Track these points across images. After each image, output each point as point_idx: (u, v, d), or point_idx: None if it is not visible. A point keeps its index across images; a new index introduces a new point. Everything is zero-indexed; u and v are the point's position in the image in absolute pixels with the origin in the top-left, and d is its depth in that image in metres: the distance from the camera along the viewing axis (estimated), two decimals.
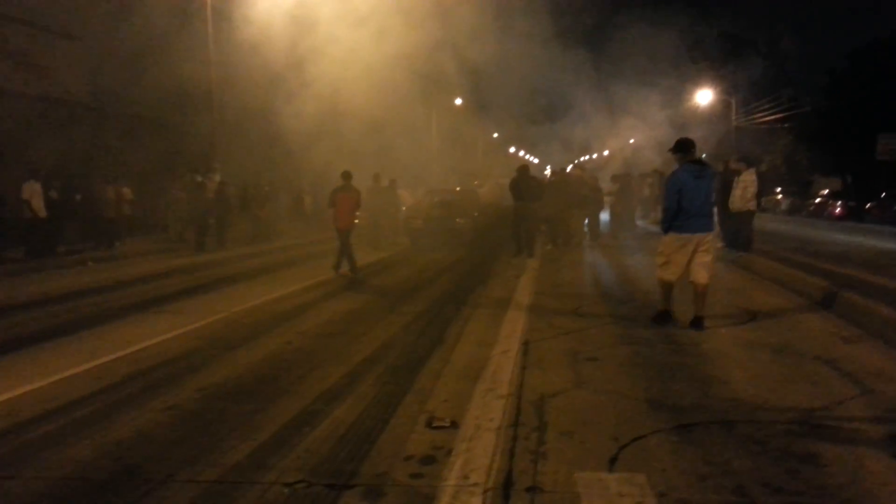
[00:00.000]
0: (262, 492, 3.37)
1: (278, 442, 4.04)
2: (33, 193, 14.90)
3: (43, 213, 15.02)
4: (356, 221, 18.05)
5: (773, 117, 45.52)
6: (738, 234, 12.64)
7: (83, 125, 21.24)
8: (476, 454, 3.73)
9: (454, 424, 4.23)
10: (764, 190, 25.14)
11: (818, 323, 7.04)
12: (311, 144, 27.91)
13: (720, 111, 49.61)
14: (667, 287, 7.05)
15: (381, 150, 30.21)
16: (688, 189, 6.73)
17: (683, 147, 7.02)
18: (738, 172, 12.24)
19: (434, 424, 4.25)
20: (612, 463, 3.60)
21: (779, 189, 38.68)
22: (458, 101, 48.35)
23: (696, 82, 49.67)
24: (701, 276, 6.77)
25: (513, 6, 23.46)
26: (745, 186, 11.77)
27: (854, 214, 27.18)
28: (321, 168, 28.49)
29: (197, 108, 22.62)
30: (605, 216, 20.39)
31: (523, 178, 14.54)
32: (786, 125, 45.62)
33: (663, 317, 7.04)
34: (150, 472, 3.64)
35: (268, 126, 26.80)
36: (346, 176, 12.23)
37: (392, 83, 26.52)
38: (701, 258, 6.77)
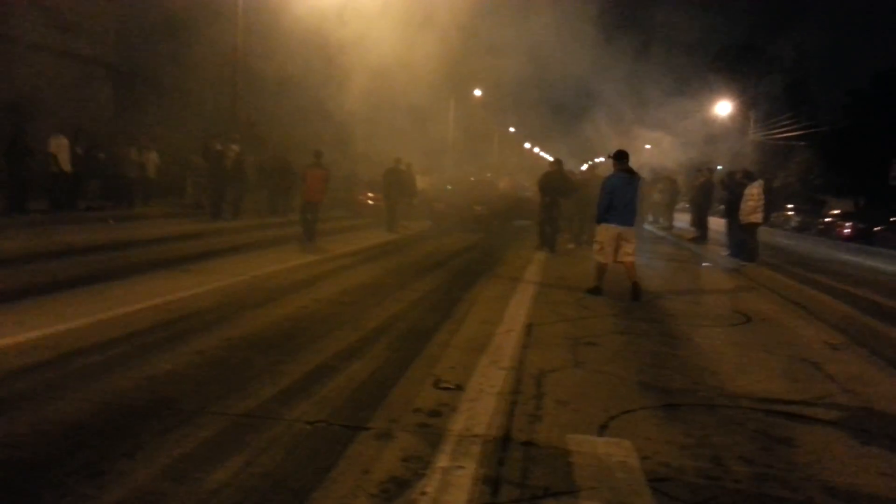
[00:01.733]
0: (286, 427, 3.75)
1: (299, 388, 4.42)
2: (60, 148, 15.31)
3: (68, 167, 15.44)
4: (370, 203, 19.15)
5: (790, 133, 45.61)
6: (744, 245, 12.96)
7: (109, 86, 21.65)
8: (478, 413, 4.10)
9: (459, 387, 4.59)
10: (774, 204, 25.28)
11: (810, 330, 7.37)
12: (335, 121, 28.27)
13: (739, 124, 49.64)
14: (601, 268, 8.77)
15: (397, 133, 30.62)
16: (618, 191, 8.53)
17: (620, 157, 8.81)
18: (742, 185, 12.67)
19: (440, 385, 4.62)
20: (602, 429, 3.97)
21: (790, 206, 38.78)
22: (477, 93, 48.48)
23: (717, 93, 49.71)
24: (628, 257, 8.63)
25: (532, 9, 23.73)
26: (749, 199, 12.10)
27: (863, 236, 27.35)
28: (339, 146, 28.94)
29: (221, 77, 22.96)
30: None
31: (557, 174, 14.24)
32: (802, 143, 45.75)
33: (596, 290, 8.70)
34: (183, 404, 4.02)
35: (294, 101, 27.12)
36: (318, 155, 13.74)
37: (415, 67, 26.89)
38: (626, 248, 8.60)
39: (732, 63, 57.02)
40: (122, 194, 17.88)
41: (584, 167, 34.29)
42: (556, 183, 14.06)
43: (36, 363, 4.64)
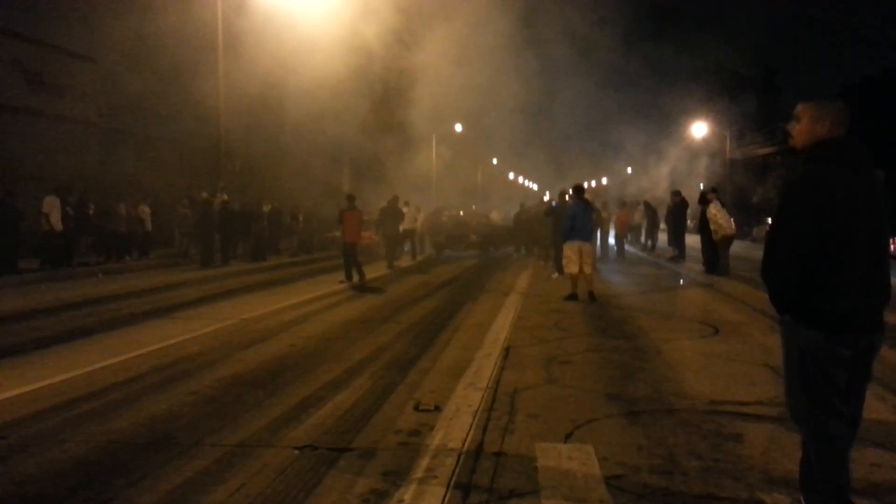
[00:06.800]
0: (275, 453, 4.08)
1: (288, 418, 4.75)
2: (52, 208, 15.68)
3: (59, 226, 15.78)
4: (374, 238, 20.22)
5: (766, 151, 46.66)
6: (717, 260, 13.44)
7: (95, 143, 22.12)
8: (454, 429, 4.44)
9: (437, 408, 4.94)
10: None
11: (774, 338, 7.74)
12: (312, 165, 28.88)
13: (714, 146, 50.75)
14: (574, 277, 10.75)
15: (382, 173, 31.29)
16: (578, 216, 10.80)
17: (578, 190, 11.29)
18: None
19: (420, 408, 4.96)
20: (568, 437, 4.32)
21: (770, 219, 39.54)
22: (458, 128, 49.37)
23: (693, 115, 50.98)
24: (587, 267, 10.76)
25: (512, 36, 24.53)
26: (713, 220, 12.73)
27: None
28: (321, 188, 29.48)
29: (204, 131, 23.46)
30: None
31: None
32: (779, 158, 46.75)
33: (572, 297, 10.59)
34: (180, 439, 4.35)
35: (271, 147, 27.72)
36: (351, 199, 14.31)
37: (394, 107, 27.67)
38: (586, 258, 10.74)
39: (707, 85, 58.42)
40: (112, 249, 18.21)
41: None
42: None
43: (41, 410, 4.96)
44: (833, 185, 2.81)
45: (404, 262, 18.52)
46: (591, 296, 10.58)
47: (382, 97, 27.75)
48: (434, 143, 45.68)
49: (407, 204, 20.80)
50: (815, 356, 2.89)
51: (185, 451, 4.12)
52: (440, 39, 23.11)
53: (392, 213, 18.47)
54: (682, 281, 14.06)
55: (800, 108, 3.06)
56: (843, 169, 2.87)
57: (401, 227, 19.41)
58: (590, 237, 11.21)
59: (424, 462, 3.88)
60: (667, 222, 19.76)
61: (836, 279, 2.84)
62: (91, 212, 17.81)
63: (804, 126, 3.02)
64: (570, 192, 11.63)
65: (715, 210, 12.75)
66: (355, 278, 13.53)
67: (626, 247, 22.68)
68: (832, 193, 2.79)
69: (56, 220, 15.60)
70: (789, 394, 3.11)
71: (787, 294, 2.92)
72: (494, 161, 69.54)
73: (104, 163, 21.96)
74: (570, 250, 10.76)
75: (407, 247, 20.72)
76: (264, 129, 26.58)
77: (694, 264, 16.15)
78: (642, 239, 24.78)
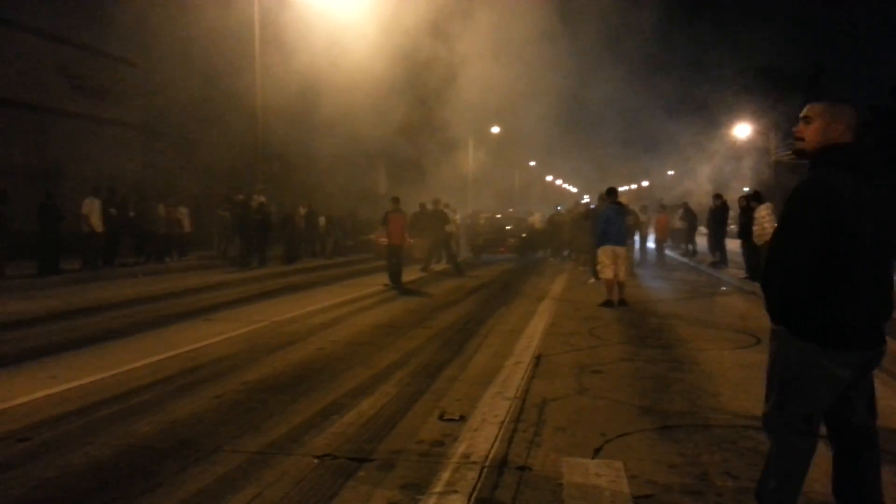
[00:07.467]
0: (295, 461, 4.00)
1: (310, 425, 4.67)
2: (92, 209, 15.99)
3: (100, 228, 16.08)
4: (411, 241, 19.92)
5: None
6: (759, 267, 13.01)
7: (137, 145, 22.57)
8: (479, 441, 4.30)
9: (462, 418, 4.80)
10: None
11: None
12: (349, 168, 29.00)
13: (760, 145, 49.51)
14: (609, 283, 10.45)
15: (418, 175, 31.29)
16: (611, 220, 10.48)
17: (611, 193, 11.03)
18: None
19: (445, 417, 4.84)
20: (597, 452, 4.14)
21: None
22: (495, 129, 49.11)
23: (737, 116, 49.85)
24: (622, 274, 10.54)
25: (553, 36, 24.26)
26: (760, 221, 12.24)
27: None
28: (357, 191, 29.60)
29: (243, 133, 23.74)
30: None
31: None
32: None
33: (608, 303, 10.34)
34: (201, 444, 4.30)
35: (309, 149, 27.90)
36: (396, 201, 14.32)
37: (432, 108, 27.66)
38: (622, 262, 10.49)
39: (751, 85, 57.10)
40: (151, 250, 18.52)
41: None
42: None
43: (66, 412, 4.97)
44: (842, 191, 2.66)
45: (439, 265, 18.35)
46: (622, 302, 10.45)
47: (420, 98, 27.76)
48: (471, 146, 45.59)
49: (447, 206, 20.63)
50: (804, 370, 2.77)
51: (204, 457, 4.07)
52: (478, 38, 22.98)
53: (436, 215, 18.26)
54: (723, 288, 13.65)
55: (810, 108, 2.88)
56: (853, 176, 2.71)
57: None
58: (624, 241, 10.91)
59: (446, 475, 3.75)
60: (708, 226, 19.28)
61: (836, 291, 2.69)
62: (131, 213, 18.12)
63: (817, 127, 2.84)
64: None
65: (766, 212, 12.28)
66: (392, 280, 13.52)
67: (666, 251, 22.22)
68: (842, 200, 2.64)
69: (96, 222, 15.91)
70: (767, 401, 2.96)
71: (787, 304, 2.77)
72: (532, 163, 69.12)
73: (145, 165, 22.41)
74: (604, 255, 10.52)
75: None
76: (302, 131, 26.81)
77: (735, 270, 15.69)
78: (682, 243, 24.26)
